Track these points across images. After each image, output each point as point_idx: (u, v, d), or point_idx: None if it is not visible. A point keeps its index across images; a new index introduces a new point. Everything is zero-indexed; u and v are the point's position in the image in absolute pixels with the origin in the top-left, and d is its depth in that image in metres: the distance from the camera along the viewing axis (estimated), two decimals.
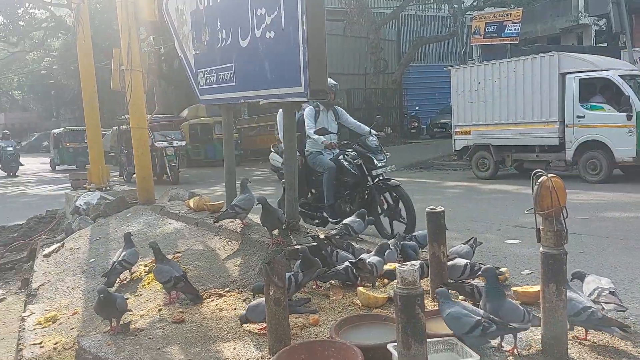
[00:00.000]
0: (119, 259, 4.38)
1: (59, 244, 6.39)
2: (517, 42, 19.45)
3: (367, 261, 3.64)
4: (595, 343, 2.75)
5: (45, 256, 6.07)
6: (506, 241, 6.18)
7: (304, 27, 3.90)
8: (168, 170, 14.65)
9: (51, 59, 35.22)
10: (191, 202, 5.99)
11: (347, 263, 3.70)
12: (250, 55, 4.63)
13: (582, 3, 25.51)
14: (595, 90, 11.08)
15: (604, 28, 23.69)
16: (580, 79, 11.02)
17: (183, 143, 16.66)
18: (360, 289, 3.53)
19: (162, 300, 3.94)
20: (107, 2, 21.68)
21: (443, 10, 26.81)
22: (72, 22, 8.40)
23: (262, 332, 3.12)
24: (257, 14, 4.41)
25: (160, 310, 3.76)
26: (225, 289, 3.99)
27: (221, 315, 3.51)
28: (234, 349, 3.01)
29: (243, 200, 4.70)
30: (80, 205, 7.50)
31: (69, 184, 10.16)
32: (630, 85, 10.35)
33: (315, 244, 4.06)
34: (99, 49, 11.29)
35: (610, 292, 2.97)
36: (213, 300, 3.82)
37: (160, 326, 3.43)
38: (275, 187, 11.54)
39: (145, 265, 4.76)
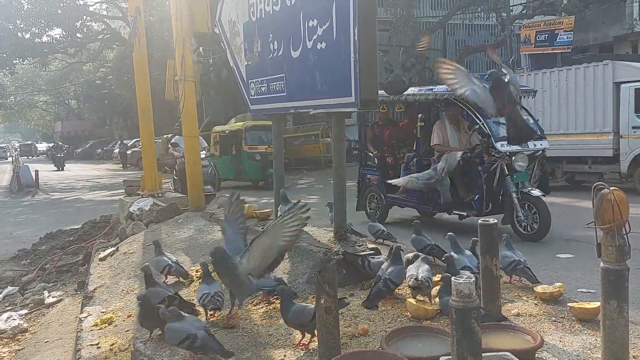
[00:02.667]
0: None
1: (113, 248, 6.60)
2: (569, 50, 18.94)
3: (420, 276, 3.60)
4: None
5: (101, 260, 6.28)
6: (557, 255, 6.01)
7: (356, 38, 3.94)
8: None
9: (106, 70, 36.61)
10: None
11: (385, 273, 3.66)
12: (301, 66, 4.69)
13: (637, 10, 24.62)
14: None
15: None
16: (636, 89, 10.64)
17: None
18: (410, 300, 3.51)
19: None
20: (161, 14, 22.37)
21: (490, 19, 26.39)
22: (129, 34, 8.72)
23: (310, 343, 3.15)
24: (309, 25, 4.48)
25: (212, 314, 3.83)
26: (275, 297, 4.03)
27: (271, 322, 3.56)
28: (285, 356, 3.04)
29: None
30: (133, 211, 7.74)
31: (123, 190, 10.50)
32: None
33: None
34: (152, 60, 11.68)
35: (524, 267, 3.92)
36: (262, 307, 3.87)
37: (213, 331, 3.50)
38: (319, 197, 11.60)
39: (197, 271, 4.87)
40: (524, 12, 23.84)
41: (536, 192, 7.13)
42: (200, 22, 6.96)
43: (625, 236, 2.46)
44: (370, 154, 9.20)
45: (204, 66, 25.42)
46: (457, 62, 21.94)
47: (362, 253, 4.17)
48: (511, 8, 22.90)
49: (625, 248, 2.44)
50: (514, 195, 7.08)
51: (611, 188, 2.47)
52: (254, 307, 3.87)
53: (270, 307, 3.81)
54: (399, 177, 8.22)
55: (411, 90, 7.75)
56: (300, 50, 4.66)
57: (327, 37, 4.27)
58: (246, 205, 6.19)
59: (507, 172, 7.10)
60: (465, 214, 7.70)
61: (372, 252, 4.25)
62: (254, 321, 3.60)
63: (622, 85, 10.85)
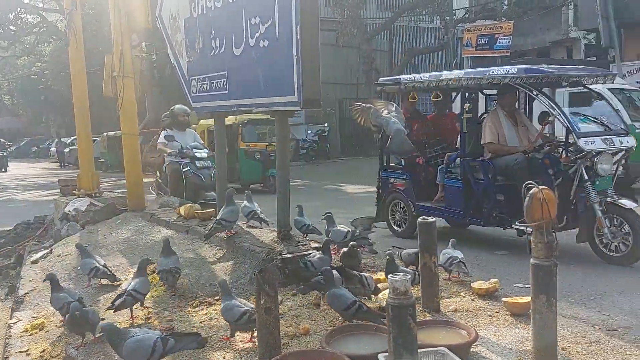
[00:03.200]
0: (129, 289, 3.69)
1: (46, 251, 6.32)
2: (508, 54, 19.62)
3: (355, 272, 3.64)
4: (585, 355, 2.76)
5: (33, 262, 6.01)
6: (496, 252, 6.20)
7: (298, 37, 3.92)
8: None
9: (42, 64, 35.04)
10: (182, 210, 5.96)
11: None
12: (243, 64, 4.64)
13: (572, 17, 25.82)
14: (587, 103, 11.16)
15: (594, 42, 23.94)
16: (570, 93, 11.11)
17: None
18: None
19: (151, 308, 3.91)
20: (99, 8, 21.62)
21: (435, 22, 27.02)
22: (64, 27, 8.37)
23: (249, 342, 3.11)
24: (251, 22, 4.43)
25: (148, 318, 3.73)
26: (216, 298, 3.96)
27: (211, 324, 3.49)
28: (224, 357, 2.99)
29: (229, 213, 4.72)
30: (69, 211, 7.43)
31: (58, 190, 10.07)
32: (619, 99, 10.46)
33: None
34: (90, 55, 11.20)
35: (460, 261, 4.08)
36: (203, 308, 3.79)
37: None
38: (265, 196, 11.51)
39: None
40: (466, 16, 24.51)
41: (627, 203, 5.61)
42: (139, 17, 6.76)
43: (553, 233, 2.55)
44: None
45: (147, 62, 24.77)
46: (403, 63, 22.23)
47: (301, 253, 4.14)
48: (454, 12, 23.52)
49: (553, 244, 2.53)
50: (597, 206, 5.60)
51: (540, 187, 2.56)
52: (194, 310, 3.79)
53: (211, 309, 3.75)
54: (434, 181, 7.08)
55: (455, 73, 6.45)
56: (243, 48, 4.60)
57: (270, 35, 4.24)
58: (188, 205, 6.09)
59: (587, 177, 5.70)
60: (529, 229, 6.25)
61: (314, 251, 4.25)
62: (193, 323, 3.53)
63: (557, 90, 11.31)
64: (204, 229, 5.16)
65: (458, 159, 6.61)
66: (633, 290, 4.58)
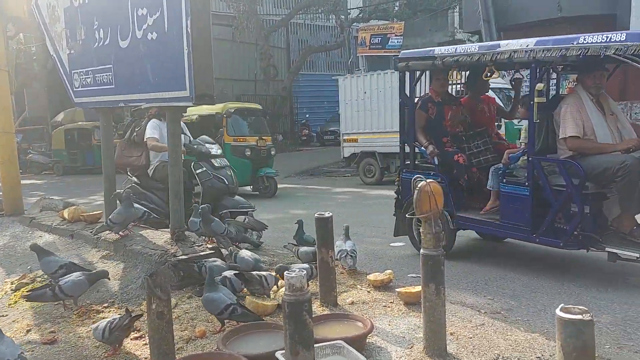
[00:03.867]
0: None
1: None
2: (399, 54, 20.45)
3: (254, 273, 3.59)
4: (471, 338, 2.92)
5: None
6: (391, 244, 6.41)
7: (189, 30, 3.79)
8: None
9: None
10: (66, 213, 5.56)
11: (226, 274, 3.60)
12: (131, 57, 4.41)
13: (457, 20, 27.45)
14: None
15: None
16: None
17: None
18: (248, 297, 3.48)
19: (30, 320, 3.60)
20: None
21: (330, 20, 27.53)
22: None
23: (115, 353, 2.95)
24: (138, 13, 4.22)
25: (28, 330, 3.44)
26: (104, 305, 3.74)
27: None
28: None
29: (117, 214, 4.49)
30: None
31: None
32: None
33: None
34: None
35: (350, 254, 4.18)
36: (90, 317, 3.56)
37: (29, 348, 3.13)
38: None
39: (12, 283, 4.34)
40: (360, 15, 25.22)
41: None
42: (14, 4, 6.20)
43: (441, 224, 2.66)
44: (422, 148, 5.68)
45: (26, 54, 22.94)
46: (301, 60, 22.31)
47: (197, 254, 4.02)
48: (349, 11, 24.10)
49: (440, 235, 2.65)
50: None
51: (428, 180, 2.66)
52: (80, 319, 3.54)
53: (99, 317, 3.52)
54: (478, 185, 5.53)
55: (523, 42, 4.81)
56: (130, 40, 4.37)
57: (158, 27, 4.05)
58: (72, 207, 5.70)
59: None
60: (636, 255, 4.25)
61: (212, 253, 4.14)
62: (78, 334, 3.29)
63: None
64: (91, 232, 4.85)
65: (522, 157, 5.11)
66: (514, 274, 4.92)
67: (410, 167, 5.88)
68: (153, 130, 5.69)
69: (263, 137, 11.86)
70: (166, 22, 3.97)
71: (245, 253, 4.04)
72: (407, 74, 5.88)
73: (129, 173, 6.00)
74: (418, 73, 5.87)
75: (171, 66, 4.00)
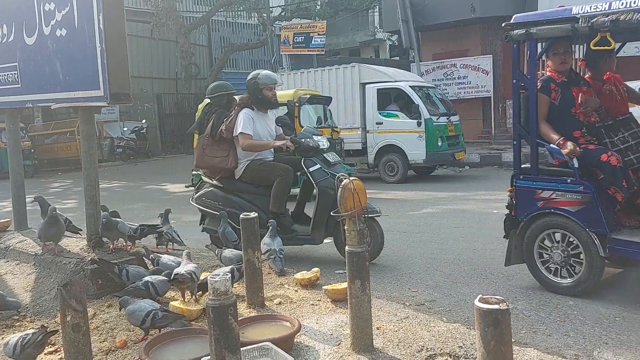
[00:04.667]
0: None
1: None
2: (323, 52, 20.60)
3: (183, 271, 3.48)
4: (397, 332, 2.98)
5: None
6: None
7: (101, 26, 3.63)
8: None
9: None
10: None
11: (155, 277, 3.47)
12: (38, 55, 4.16)
13: (377, 19, 28.08)
14: (391, 99, 12.21)
15: (397, 43, 26.35)
16: (377, 89, 12.05)
17: None
18: (172, 302, 3.37)
19: None
20: None
21: (252, 18, 27.30)
22: None
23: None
24: (44, 8, 3.99)
25: None
26: (15, 318, 3.50)
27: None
28: None
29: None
30: None
31: None
32: (419, 95, 11.62)
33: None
34: None
35: (279, 255, 4.14)
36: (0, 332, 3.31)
37: None
38: (77, 201, 10.56)
39: None
40: (282, 14, 25.19)
41: None
42: None
43: (364, 221, 2.70)
44: (552, 146, 4.23)
45: None
46: (223, 58, 21.94)
47: (117, 260, 3.85)
48: (271, 10, 23.98)
49: (364, 232, 2.68)
50: None
51: (351, 178, 2.69)
52: None
53: (10, 332, 3.28)
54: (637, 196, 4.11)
55: None
56: (36, 36, 4.12)
57: (68, 23, 3.85)
58: None
59: None
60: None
61: (132, 258, 3.98)
62: None
63: (367, 86, 12.19)
64: None
65: None
66: (435, 267, 5.09)
67: (533, 173, 4.36)
68: (246, 124, 4.99)
69: (335, 129, 10.87)
70: (76, 17, 3.77)
71: (167, 258, 3.91)
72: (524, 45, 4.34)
73: (206, 176, 5.36)
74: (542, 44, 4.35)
75: (83, 64, 3.81)
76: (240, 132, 4.98)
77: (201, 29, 26.38)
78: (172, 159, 21.30)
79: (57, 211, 4.13)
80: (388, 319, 3.19)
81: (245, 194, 5.14)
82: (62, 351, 2.69)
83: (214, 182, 5.24)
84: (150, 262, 3.97)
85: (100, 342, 3.03)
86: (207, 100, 6.24)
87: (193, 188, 5.81)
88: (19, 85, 4.39)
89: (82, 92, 3.89)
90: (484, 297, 1.81)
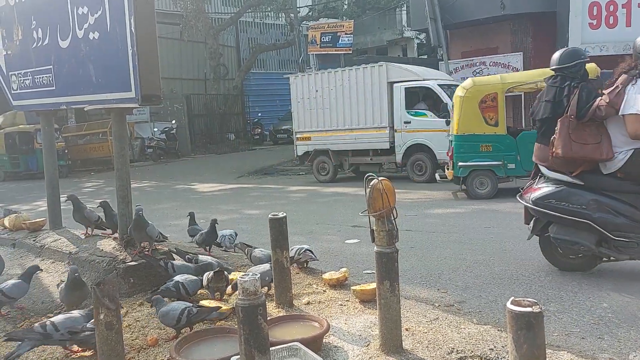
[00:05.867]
0: None
1: None
2: (350, 52, 20.56)
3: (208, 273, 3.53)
4: (426, 333, 2.95)
5: None
6: (346, 241, 6.44)
7: (133, 29, 3.68)
8: None
9: None
10: (6, 221, 5.31)
11: (184, 277, 3.52)
12: (72, 57, 4.25)
13: (405, 18, 27.88)
14: (419, 98, 12.12)
15: (424, 41, 26.13)
16: (405, 88, 11.96)
17: None
18: (202, 302, 3.40)
19: None
20: None
21: (280, 19, 27.43)
22: None
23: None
24: (78, 12, 4.07)
25: None
26: (49, 315, 3.58)
27: (45, 346, 3.13)
28: None
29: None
30: None
31: None
32: (447, 94, 11.49)
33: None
34: None
35: (306, 250, 4.16)
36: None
37: None
38: (110, 200, 10.79)
39: None
40: (310, 14, 25.25)
41: None
42: None
43: (393, 221, 2.68)
44: None
45: None
46: (251, 59, 22.12)
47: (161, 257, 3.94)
48: (298, 10, 24.06)
49: (394, 232, 2.66)
50: None
51: (380, 178, 2.67)
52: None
53: None
54: None
55: None
56: (70, 40, 4.21)
57: (100, 26, 3.92)
58: (14, 215, 5.45)
59: None
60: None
61: (162, 258, 4.04)
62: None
63: (395, 85, 12.11)
64: (34, 240, 4.64)
65: None
66: (465, 267, 5.03)
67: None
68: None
69: None
70: (108, 21, 3.84)
71: (205, 257, 3.99)
72: None
73: (553, 170, 4.32)
74: None
75: (115, 66, 3.88)
76: (636, 113, 3.87)
77: (229, 30, 26.65)
78: (201, 158, 21.56)
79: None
80: (417, 320, 3.16)
81: (622, 194, 4.09)
82: (95, 349, 2.74)
83: (568, 178, 4.28)
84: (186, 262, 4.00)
85: (132, 339, 3.08)
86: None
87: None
88: (54, 88, 4.50)
89: (114, 94, 3.96)
90: (516, 299, 1.77)
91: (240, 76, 25.20)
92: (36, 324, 2.93)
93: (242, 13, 24.71)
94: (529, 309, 1.72)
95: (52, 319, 2.93)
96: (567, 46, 15.18)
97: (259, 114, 27.68)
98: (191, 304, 3.09)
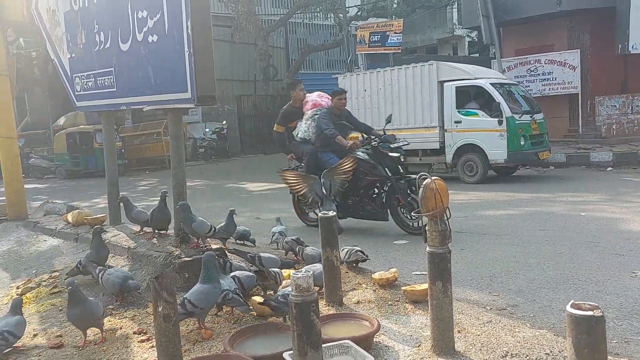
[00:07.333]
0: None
1: None
2: (399, 51, 20.40)
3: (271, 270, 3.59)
4: (479, 336, 2.91)
5: None
6: (395, 242, 6.40)
7: (190, 32, 3.79)
8: None
9: None
10: (70, 217, 5.57)
11: (241, 273, 3.61)
12: (131, 60, 4.41)
13: (456, 16, 27.42)
14: (470, 97, 11.89)
15: (476, 39, 25.63)
16: (456, 87, 11.77)
17: None
18: (254, 298, 3.47)
19: (37, 324, 3.60)
20: None
21: (329, 19, 27.50)
22: None
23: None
24: (138, 16, 4.22)
25: (35, 335, 3.44)
26: (110, 307, 3.74)
27: (106, 335, 3.28)
28: None
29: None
30: None
31: None
32: (500, 93, 11.24)
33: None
34: None
35: (357, 250, 4.21)
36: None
37: (36, 353, 3.14)
38: None
39: (18, 287, 4.34)
40: (359, 14, 25.21)
41: None
42: (13, 9, 6.20)
43: (447, 221, 2.65)
44: None
45: (26, 59, 22.97)
46: (300, 60, 22.31)
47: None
48: (347, 10, 24.06)
49: (447, 232, 2.64)
50: None
51: (433, 178, 2.65)
52: None
53: (104, 320, 3.52)
54: None
55: None
56: (130, 43, 4.37)
57: (159, 29, 4.05)
58: (76, 211, 5.70)
59: None
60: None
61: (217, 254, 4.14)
62: (86, 336, 3.29)
63: (445, 84, 11.94)
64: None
65: None
66: (517, 270, 4.91)
67: None
68: None
69: None
70: (166, 24, 3.97)
71: (268, 255, 4.08)
72: None
73: None
74: None
75: (172, 68, 4.00)
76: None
77: (279, 31, 26.93)
78: (250, 158, 21.89)
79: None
80: (470, 322, 3.11)
81: None
82: (154, 340, 2.85)
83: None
84: (247, 261, 4.07)
85: (188, 332, 3.18)
86: None
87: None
88: (114, 89, 4.69)
89: (171, 94, 4.09)
90: (577, 303, 1.73)
91: (289, 77, 25.40)
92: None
93: (291, 14, 24.93)
94: (589, 313, 1.68)
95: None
96: (628, 43, 14.65)
97: None
98: (234, 289, 3.24)
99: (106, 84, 4.77)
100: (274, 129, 7.51)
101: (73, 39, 5.12)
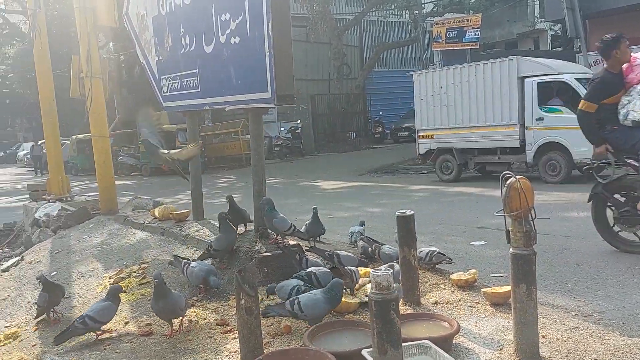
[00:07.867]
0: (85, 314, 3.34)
1: (17, 258, 6.16)
2: (477, 47, 19.85)
3: (347, 268, 3.62)
4: (565, 342, 2.80)
5: (4, 270, 5.85)
6: (472, 243, 6.26)
7: (270, 33, 3.88)
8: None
9: (6, 67, 34.11)
10: (156, 211, 5.87)
11: (318, 269, 3.66)
12: (215, 61, 4.57)
13: (537, 9, 26.30)
14: (553, 93, 11.37)
15: (559, 33, 24.48)
16: (538, 83, 11.30)
17: None
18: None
19: (128, 312, 3.83)
20: (64, 8, 21.14)
21: (404, 16, 27.20)
22: (28, 29, 8.14)
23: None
24: (221, 19, 4.37)
25: (126, 323, 3.66)
26: (194, 298, 3.91)
27: (190, 325, 3.44)
28: (206, 359, 2.95)
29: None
30: (39, 217, 7.26)
31: (28, 196, 9.82)
32: (586, 88, 10.66)
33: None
34: (57, 57, 10.90)
35: (439, 253, 4.12)
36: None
37: (128, 339, 3.33)
38: (241, 195, 11.44)
39: (110, 277, 4.63)
40: (434, 9, 24.75)
41: None
42: (106, 16, 6.61)
43: (531, 222, 2.57)
44: None
45: (115, 63, 24.38)
46: (374, 58, 22.22)
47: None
48: (423, 6, 23.69)
49: (531, 234, 2.55)
50: None
51: (518, 177, 2.57)
52: None
53: (190, 311, 3.69)
54: None
55: None
56: (214, 45, 4.53)
57: (241, 31, 4.18)
58: (162, 206, 5.99)
59: None
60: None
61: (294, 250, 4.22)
62: (174, 325, 3.46)
63: (526, 80, 11.49)
64: (180, 230, 5.08)
65: None
66: (605, 275, 4.66)
67: None
68: None
69: None
70: (248, 26, 4.09)
71: (346, 253, 4.12)
72: None
73: None
74: None
75: (253, 69, 4.11)
76: None
77: (353, 29, 26.96)
78: (324, 157, 22.08)
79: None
80: (554, 327, 3.00)
81: None
82: (236, 332, 2.95)
83: None
84: (325, 259, 4.12)
85: (268, 326, 3.26)
86: None
87: None
88: (199, 90, 4.89)
89: (252, 94, 4.21)
90: None
91: (362, 75, 25.40)
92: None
93: (366, 12, 24.88)
94: None
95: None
96: None
97: (380, 113, 27.71)
98: (302, 283, 3.36)
99: (191, 85, 4.98)
100: (580, 107, 5.42)
101: (160, 43, 5.39)
